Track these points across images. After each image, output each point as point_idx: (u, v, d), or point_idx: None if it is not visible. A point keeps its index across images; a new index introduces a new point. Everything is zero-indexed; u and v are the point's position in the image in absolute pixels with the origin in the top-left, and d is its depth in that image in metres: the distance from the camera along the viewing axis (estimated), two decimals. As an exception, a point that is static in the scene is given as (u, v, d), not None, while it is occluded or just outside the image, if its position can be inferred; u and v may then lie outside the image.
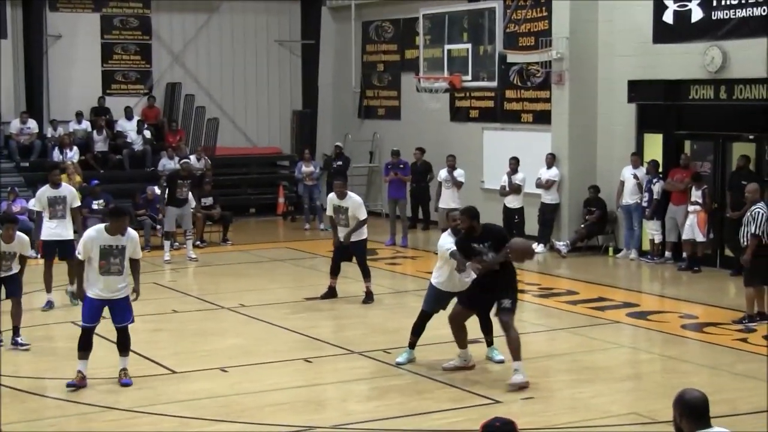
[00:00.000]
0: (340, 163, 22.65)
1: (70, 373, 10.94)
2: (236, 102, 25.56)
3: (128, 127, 23.54)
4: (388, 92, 24.56)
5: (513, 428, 4.79)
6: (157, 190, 20.07)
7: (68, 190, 14.42)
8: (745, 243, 12.75)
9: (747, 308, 12.85)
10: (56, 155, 21.62)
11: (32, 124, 22.60)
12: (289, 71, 26.01)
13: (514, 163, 18.66)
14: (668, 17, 17.52)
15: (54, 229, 14.17)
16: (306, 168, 22.61)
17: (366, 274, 14.50)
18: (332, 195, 14.66)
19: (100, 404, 9.68)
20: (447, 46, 21.54)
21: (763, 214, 12.65)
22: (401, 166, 20.71)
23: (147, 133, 23.46)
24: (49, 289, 14.18)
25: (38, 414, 9.57)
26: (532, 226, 18.84)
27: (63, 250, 14.10)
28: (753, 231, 12.62)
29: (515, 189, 18.50)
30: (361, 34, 25.15)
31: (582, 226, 18.65)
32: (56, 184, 14.41)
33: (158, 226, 19.74)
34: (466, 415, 9.27)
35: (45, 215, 14.28)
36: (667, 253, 17.55)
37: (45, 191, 14.36)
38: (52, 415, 9.59)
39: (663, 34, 17.60)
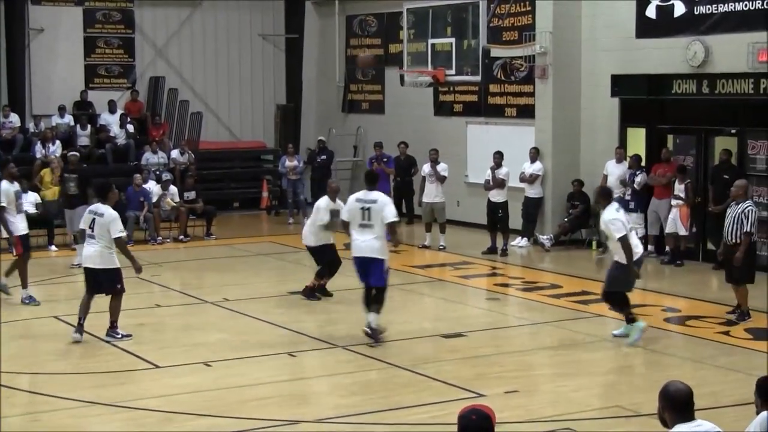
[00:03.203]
0: (324, 157, 22.65)
1: (53, 368, 10.91)
2: (220, 96, 25.49)
3: (111, 121, 23.43)
4: (371, 86, 24.54)
5: (490, 423, 4.62)
6: (148, 183, 20.06)
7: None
8: (735, 241, 12.55)
9: (742, 305, 12.77)
10: (39, 150, 21.50)
11: (14, 118, 22.46)
12: (272, 65, 25.95)
13: (498, 158, 18.68)
14: (651, 12, 17.57)
15: (23, 223, 14.20)
16: (290, 162, 22.58)
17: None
18: (326, 199, 13.89)
19: (84, 399, 9.65)
20: (431, 41, 21.57)
21: (755, 212, 12.60)
22: (385, 159, 20.69)
23: (130, 127, 23.36)
24: (25, 285, 14.14)
25: (23, 409, 9.54)
26: (515, 220, 18.87)
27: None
28: (747, 229, 12.42)
29: (499, 183, 18.52)
30: (345, 29, 25.11)
31: (565, 220, 18.70)
32: (16, 178, 14.48)
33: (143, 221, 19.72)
34: (450, 408, 9.25)
35: (12, 210, 14.08)
36: (650, 247, 17.59)
37: (10, 187, 14.14)
38: (37, 410, 9.54)
39: (646, 28, 17.66)
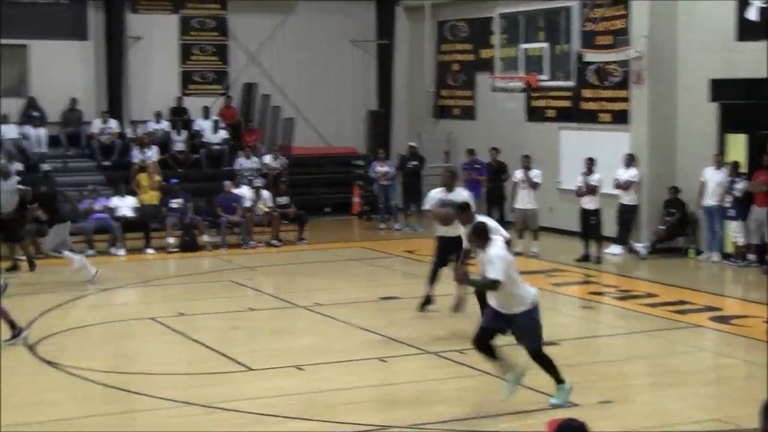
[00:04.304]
0: (414, 163, 22.59)
1: (149, 368, 11.06)
2: (311, 101, 25.60)
3: (205, 127, 23.77)
4: (462, 92, 24.45)
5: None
6: (235, 189, 20.28)
7: None
8: None
9: None
10: (136, 155, 21.90)
11: (113, 123, 22.93)
12: (363, 71, 26.01)
13: (589, 164, 18.42)
14: (752, 14, 17.13)
15: None
16: (380, 168, 22.61)
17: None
18: (439, 190, 13.54)
19: (178, 399, 9.74)
20: (523, 46, 21.41)
21: None
22: (477, 166, 20.58)
23: (224, 133, 23.67)
24: None
25: (120, 407, 9.70)
26: (610, 227, 18.58)
27: None
28: None
29: (591, 190, 18.28)
30: (436, 34, 25.08)
31: (662, 227, 18.33)
32: None
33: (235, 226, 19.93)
34: (542, 418, 9.11)
35: None
36: (751, 256, 17.16)
37: None
38: (134, 408, 9.69)
39: (746, 31, 17.23)
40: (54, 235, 16.25)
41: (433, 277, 13.47)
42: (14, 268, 16.70)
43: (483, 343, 9.46)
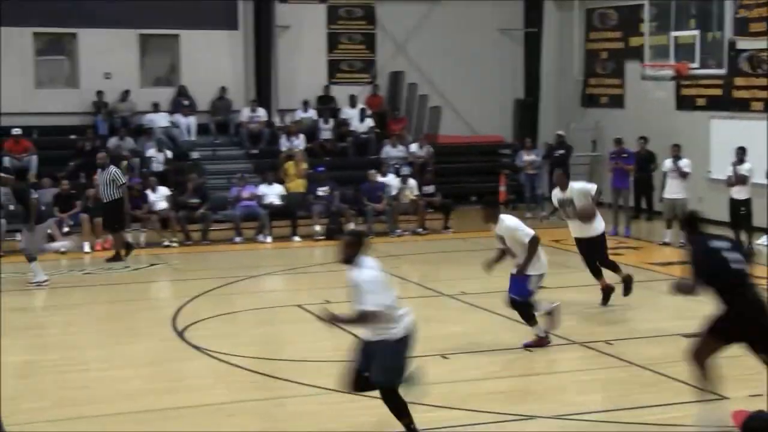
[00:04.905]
0: (562, 151, 22.41)
1: (296, 355, 11.31)
2: (458, 90, 25.60)
3: (352, 115, 24.06)
4: (611, 80, 24.10)
5: None
6: (381, 178, 20.50)
7: None
8: None
9: None
10: (284, 143, 22.35)
11: (261, 112, 23.45)
12: (511, 59, 25.87)
13: (740, 153, 17.90)
14: None
15: None
16: (527, 157, 22.50)
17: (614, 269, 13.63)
18: (555, 190, 13.80)
19: (324, 386, 9.90)
20: (673, 33, 20.99)
21: None
22: (624, 155, 20.28)
23: (370, 121, 23.91)
24: None
25: (269, 393, 9.97)
26: (761, 217, 18.04)
27: None
28: None
29: (741, 180, 17.76)
30: (585, 22, 24.75)
31: (817, 219, 17.71)
32: None
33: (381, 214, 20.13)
34: (690, 410, 8.98)
35: None
36: None
37: None
38: (282, 395, 9.94)
39: None
40: (29, 234, 15.29)
41: (596, 271, 13.54)
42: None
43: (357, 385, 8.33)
